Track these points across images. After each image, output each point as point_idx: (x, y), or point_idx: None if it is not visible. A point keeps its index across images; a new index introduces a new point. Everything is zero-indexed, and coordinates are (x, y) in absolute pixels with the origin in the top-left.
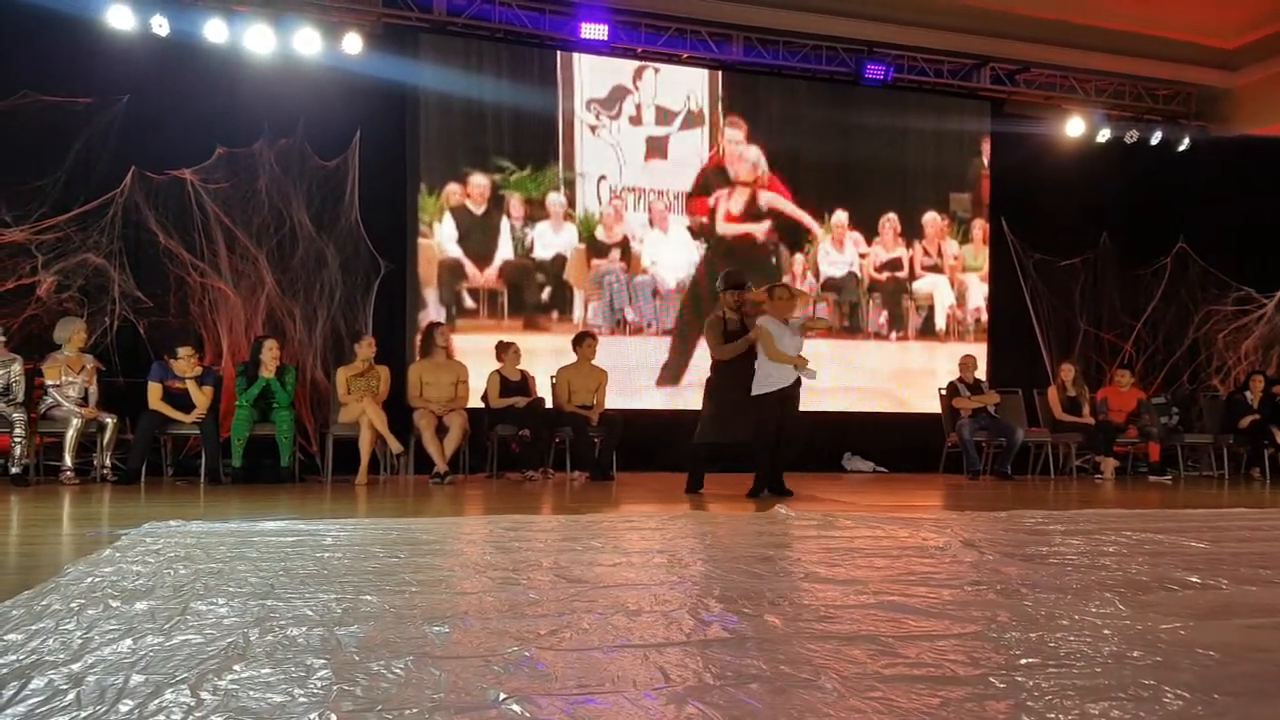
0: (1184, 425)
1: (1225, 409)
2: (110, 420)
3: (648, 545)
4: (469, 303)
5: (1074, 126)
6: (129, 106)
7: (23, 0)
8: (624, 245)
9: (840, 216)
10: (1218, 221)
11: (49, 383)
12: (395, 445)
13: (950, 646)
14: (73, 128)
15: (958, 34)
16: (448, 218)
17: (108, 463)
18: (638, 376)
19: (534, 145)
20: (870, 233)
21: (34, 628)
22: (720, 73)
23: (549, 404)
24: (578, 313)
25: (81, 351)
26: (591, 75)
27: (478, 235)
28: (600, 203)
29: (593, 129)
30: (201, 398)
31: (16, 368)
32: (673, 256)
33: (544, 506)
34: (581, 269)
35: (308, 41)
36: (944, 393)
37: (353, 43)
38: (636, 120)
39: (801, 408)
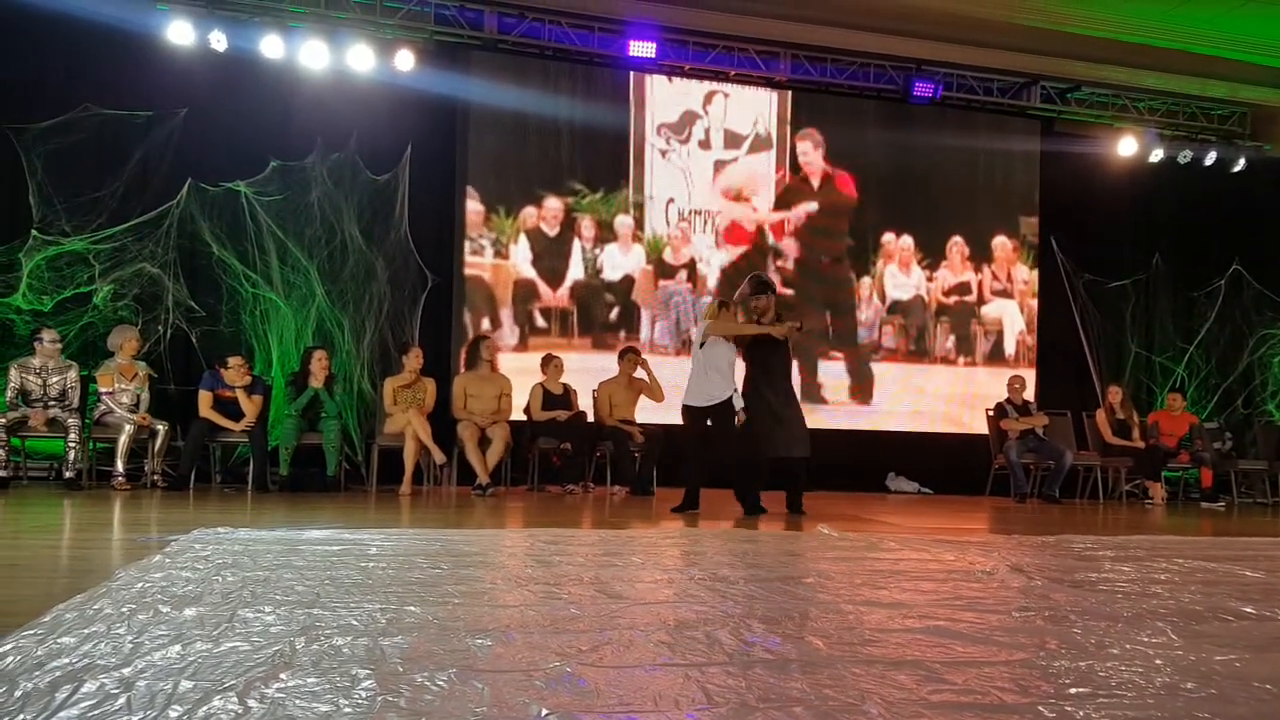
0: (1237, 451)
1: None
2: (162, 427)
3: (689, 562)
4: (540, 322)
5: (1126, 146)
6: (186, 120)
7: (85, 16)
8: (690, 267)
9: (906, 240)
10: (1274, 243)
11: (102, 390)
12: (439, 456)
13: (998, 674)
14: (131, 140)
15: (1008, 52)
16: (523, 239)
17: (158, 469)
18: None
19: (605, 169)
20: (938, 256)
21: (86, 631)
22: (790, 95)
23: (591, 418)
24: (645, 332)
25: (134, 359)
26: (662, 100)
27: (550, 256)
28: (668, 225)
29: (663, 153)
30: (251, 406)
31: (72, 374)
32: (737, 278)
33: (584, 520)
34: (649, 289)
35: (361, 58)
36: (991, 414)
37: (405, 59)
38: (705, 144)
39: (848, 426)
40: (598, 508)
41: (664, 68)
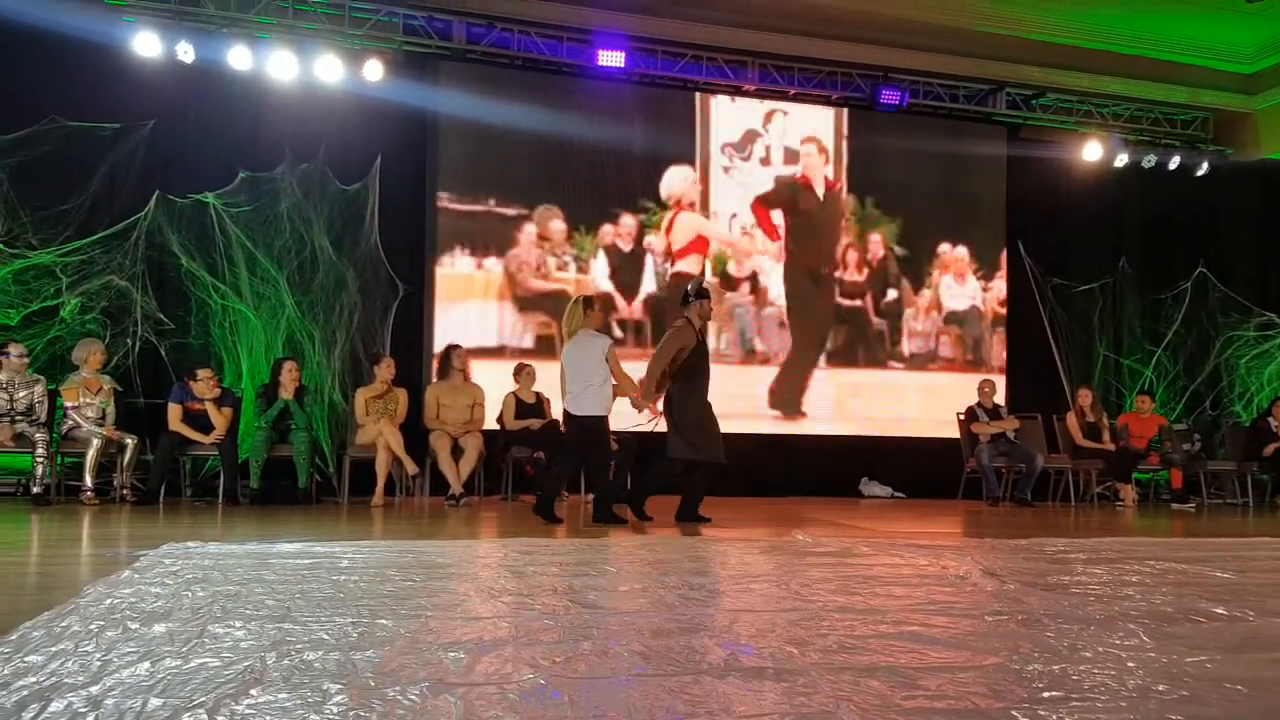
0: (1206, 452)
1: (1248, 436)
2: (131, 441)
3: (663, 570)
4: (618, 333)
5: (1091, 151)
6: (154, 131)
7: (51, 27)
8: (753, 279)
9: (961, 250)
10: (1238, 246)
11: (67, 404)
12: (411, 467)
13: (971, 678)
14: (98, 152)
15: (973, 59)
16: (601, 255)
17: (127, 483)
18: (759, 404)
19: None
20: (992, 267)
21: (54, 649)
22: (846, 111)
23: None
24: (711, 343)
25: (100, 372)
26: (725, 120)
27: (626, 270)
28: (732, 237)
29: (726, 170)
30: (220, 419)
31: (39, 388)
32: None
33: (558, 530)
34: (715, 302)
35: (329, 68)
36: (962, 418)
37: (373, 69)
38: (766, 161)
39: (821, 432)
40: (572, 516)
41: (633, 76)
